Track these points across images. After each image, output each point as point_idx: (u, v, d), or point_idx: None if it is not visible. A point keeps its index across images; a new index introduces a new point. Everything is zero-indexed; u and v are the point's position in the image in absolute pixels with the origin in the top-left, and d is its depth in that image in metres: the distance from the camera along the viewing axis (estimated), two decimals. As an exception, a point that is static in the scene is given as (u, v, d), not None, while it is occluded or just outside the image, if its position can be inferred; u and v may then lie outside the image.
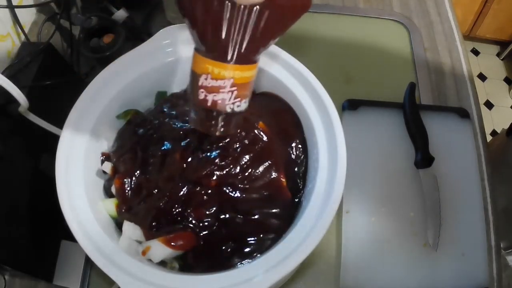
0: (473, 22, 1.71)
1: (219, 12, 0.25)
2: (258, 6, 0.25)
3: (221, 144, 0.37)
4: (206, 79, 0.28)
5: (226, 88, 0.28)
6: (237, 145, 0.38)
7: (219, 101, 0.28)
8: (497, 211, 0.58)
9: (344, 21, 0.74)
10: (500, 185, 0.59)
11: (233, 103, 0.29)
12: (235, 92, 0.28)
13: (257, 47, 0.28)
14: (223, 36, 0.26)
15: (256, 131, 0.39)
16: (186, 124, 0.39)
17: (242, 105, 0.30)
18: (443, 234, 0.54)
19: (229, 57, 0.27)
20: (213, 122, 0.30)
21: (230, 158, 0.37)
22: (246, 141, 0.38)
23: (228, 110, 0.29)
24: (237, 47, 0.27)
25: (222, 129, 0.31)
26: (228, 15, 0.25)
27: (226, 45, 0.27)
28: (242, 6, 0.25)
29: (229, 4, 0.24)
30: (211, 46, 0.27)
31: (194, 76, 0.29)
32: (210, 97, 0.28)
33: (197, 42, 0.28)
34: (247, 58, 0.28)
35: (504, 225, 0.56)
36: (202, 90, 0.28)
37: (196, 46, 0.28)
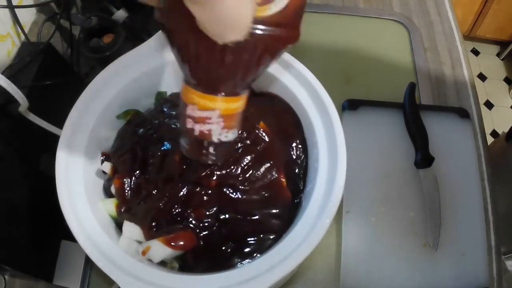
0: (473, 22, 1.71)
1: (200, 48, 0.25)
2: (241, 43, 0.24)
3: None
4: (193, 109, 0.28)
5: (213, 119, 0.28)
6: (239, 146, 0.38)
7: (206, 132, 0.28)
8: (497, 211, 0.58)
9: (344, 21, 0.74)
10: (501, 189, 0.59)
11: (220, 134, 0.29)
12: (222, 123, 0.28)
13: (242, 81, 0.27)
14: (204, 70, 0.26)
15: (257, 131, 0.39)
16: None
17: (229, 136, 0.30)
18: (443, 234, 0.54)
19: (213, 90, 0.27)
20: (203, 151, 0.30)
21: (231, 159, 0.37)
22: (248, 142, 0.38)
23: (216, 140, 0.29)
24: (222, 81, 0.27)
25: (213, 158, 0.31)
26: (208, 52, 0.25)
27: (210, 79, 0.27)
28: (222, 44, 0.24)
29: (209, 41, 0.23)
30: (196, 79, 0.27)
31: (183, 105, 0.29)
32: (197, 127, 0.28)
33: (183, 73, 0.28)
34: (232, 91, 0.28)
35: (504, 229, 0.56)
36: (189, 119, 0.28)
37: (184, 76, 0.28)
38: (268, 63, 0.27)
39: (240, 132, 0.38)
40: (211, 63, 0.25)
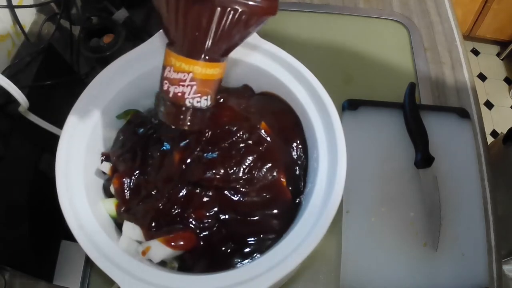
0: (473, 22, 1.71)
1: (178, 6, 0.26)
2: (218, 8, 0.26)
3: (223, 145, 0.37)
4: (169, 71, 0.29)
5: (186, 82, 0.29)
6: (241, 146, 0.37)
7: (179, 94, 0.30)
8: (497, 211, 0.58)
9: (344, 21, 0.74)
10: (498, 193, 0.59)
11: (192, 98, 0.30)
12: (195, 87, 0.29)
13: (216, 47, 0.28)
14: (180, 32, 0.28)
15: (259, 131, 0.39)
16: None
17: (202, 102, 0.30)
18: (443, 234, 0.54)
19: (187, 52, 0.28)
20: (180, 116, 0.31)
21: (233, 161, 0.37)
22: (250, 142, 0.38)
23: (188, 104, 0.30)
24: (195, 44, 0.28)
25: (188, 123, 0.31)
26: (183, 12, 0.26)
27: (184, 41, 0.28)
28: (197, 5, 0.25)
29: (185, 1, 0.25)
30: (172, 40, 0.29)
31: (162, 68, 0.30)
32: (171, 89, 0.30)
33: (165, 35, 0.30)
34: (207, 55, 0.29)
35: (501, 233, 0.56)
36: (166, 81, 0.30)
37: (166, 39, 0.30)
38: (245, 32, 0.28)
39: (242, 132, 0.38)
40: (188, 24, 0.27)
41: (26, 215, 0.45)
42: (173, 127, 0.32)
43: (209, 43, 0.28)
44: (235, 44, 0.30)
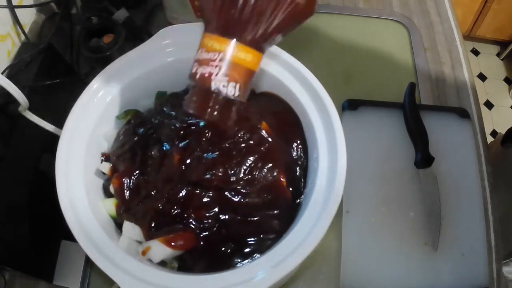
0: (473, 22, 1.71)
1: None
2: None
3: (223, 145, 0.37)
4: (201, 52, 0.29)
5: (215, 62, 0.28)
6: (242, 146, 0.37)
7: (206, 74, 0.28)
8: (497, 212, 0.58)
9: (344, 21, 0.74)
10: (497, 193, 0.59)
11: (219, 81, 0.28)
12: (223, 68, 0.28)
13: (250, 29, 0.28)
14: (216, 9, 0.27)
15: (260, 132, 0.38)
16: (185, 125, 0.39)
17: (229, 88, 0.29)
18: (443, 234, 0.54)
19: (221, 30, 0.28)
20: (205, 102, 0.29)
21: (234, 161, 0.37)
22: (251, 142, 0.38)
23: (213, 86, 0.28)
24: (229, 22, 0.27)
25: (215, 113, 0.30)
26: None
27: (219, 18, 0.28)
28: None
29: None
30: (207, 19, 0.28)
31: (196, 52, 0.29)
32: (199, 70, 0.28)
33: (202, 16, 0.29)
34: (240, 37, 0.28)
35: (501, 233, 0.56)
36: (195, 63, 0.29)
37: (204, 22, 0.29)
38: (279, 23, 0.28)
39: (242, 133, 0.38)
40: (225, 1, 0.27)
41: (26, 215, 0.45)
42: (195, 118, 0.31)
43: (243, 23, 0.27)
44: (268, 34, 0.28)
